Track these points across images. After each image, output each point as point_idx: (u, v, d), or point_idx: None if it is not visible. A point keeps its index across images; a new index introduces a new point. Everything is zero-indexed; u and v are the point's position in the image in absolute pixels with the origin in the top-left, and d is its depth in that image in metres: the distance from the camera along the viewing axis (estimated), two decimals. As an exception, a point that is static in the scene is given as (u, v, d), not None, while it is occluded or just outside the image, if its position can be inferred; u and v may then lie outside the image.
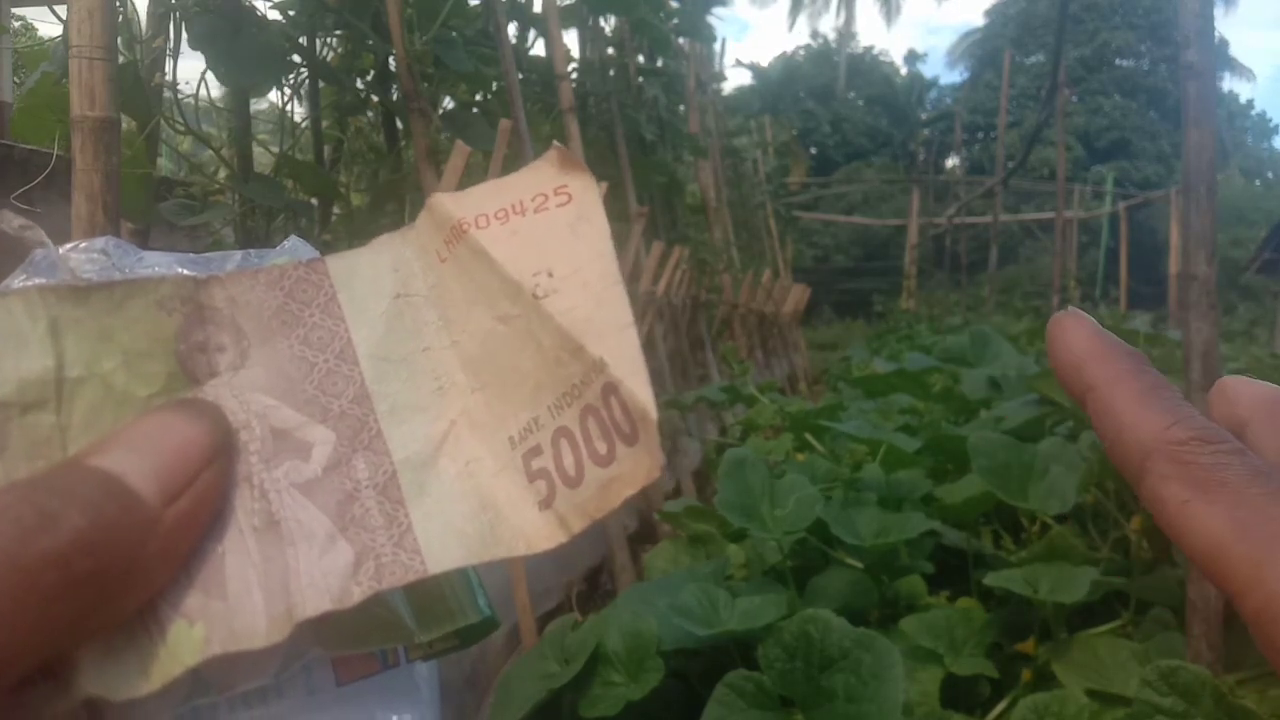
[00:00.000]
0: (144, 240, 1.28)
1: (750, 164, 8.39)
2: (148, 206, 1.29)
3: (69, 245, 0.30)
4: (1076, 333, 0.25)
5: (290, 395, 0.23)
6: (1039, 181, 16.18)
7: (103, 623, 0.19)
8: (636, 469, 0.21)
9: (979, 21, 25.80)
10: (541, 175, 0.25)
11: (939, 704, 1.31)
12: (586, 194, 0.24)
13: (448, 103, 2.21)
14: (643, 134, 3.70)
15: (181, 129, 1.42)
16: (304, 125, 1.77)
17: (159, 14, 1.33)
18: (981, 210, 11.77)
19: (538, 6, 2.77)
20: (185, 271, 0.31)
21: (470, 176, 2.08)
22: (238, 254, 0.32)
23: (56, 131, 1.16)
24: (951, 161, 21.97)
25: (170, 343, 0.22)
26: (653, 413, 0.21)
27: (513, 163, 2.25)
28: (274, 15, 1.61)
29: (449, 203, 0.25)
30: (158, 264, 0.32)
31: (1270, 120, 26.92)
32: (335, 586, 0.21)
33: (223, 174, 1.56)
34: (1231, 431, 0.23)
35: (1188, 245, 1.24)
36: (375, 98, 1.94)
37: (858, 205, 18.27)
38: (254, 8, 1.51)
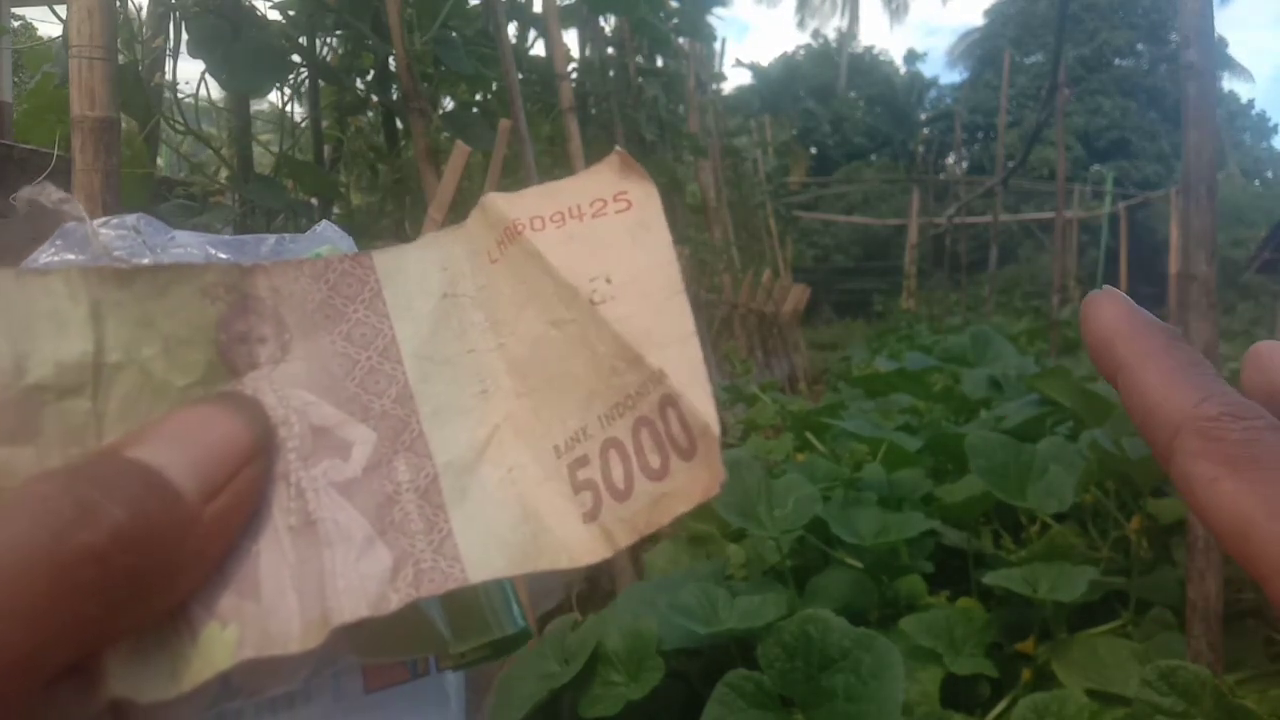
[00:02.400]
0: (144, 240, 1.28)
1: (750, 164, 8.39)
2: (147, 206, 1.30)
3: (100, 220, 0.30)
4: (1109, 311, 0.24)
5: (331, 392, 0.22)
6: (1039, 181, 16.18)
7: (135, 622, 0.18)
8: (693, 485, 0.20)
9: (979, 22, 25.81)
10: (601, 180, 0.24)
11: (939, 704, 1.31)
12: (648, 201, 0.23)
13: (448, 103, 2.21)
14: (643, 134, 3.70)
15: (181, 129, 1.42)
16: (304, 125, 1.77)
17: (159, 14, 1.33)
18: (981, 210, 11.76)
19: (538, 6, 2.77)
20: (217, 253, 0.31)
21: (470, 176, 2.08)
22: (271, 238, 0.32)
23: (57, 132, 1.16)
24: (951, 161, 21.98)
25: (211, 331, 0.22)
26: (715, 427, 0.20)
27: (513, 163, 2.25)
28: (274, 15, 1.61)
29: (503, 203, 0.24)
30: (189, 243, 0.31)
31: (1270, 120, 26.92)
32: (373, 592, 0.20)
33: (223, 174, 1.56)
34: (1267, 400, 0.23)
35: (1188, 245, 1.24)
36: (375, 98, 1.94)
37: (858, 205, 18.26)
38: (254, 8, 1.51)
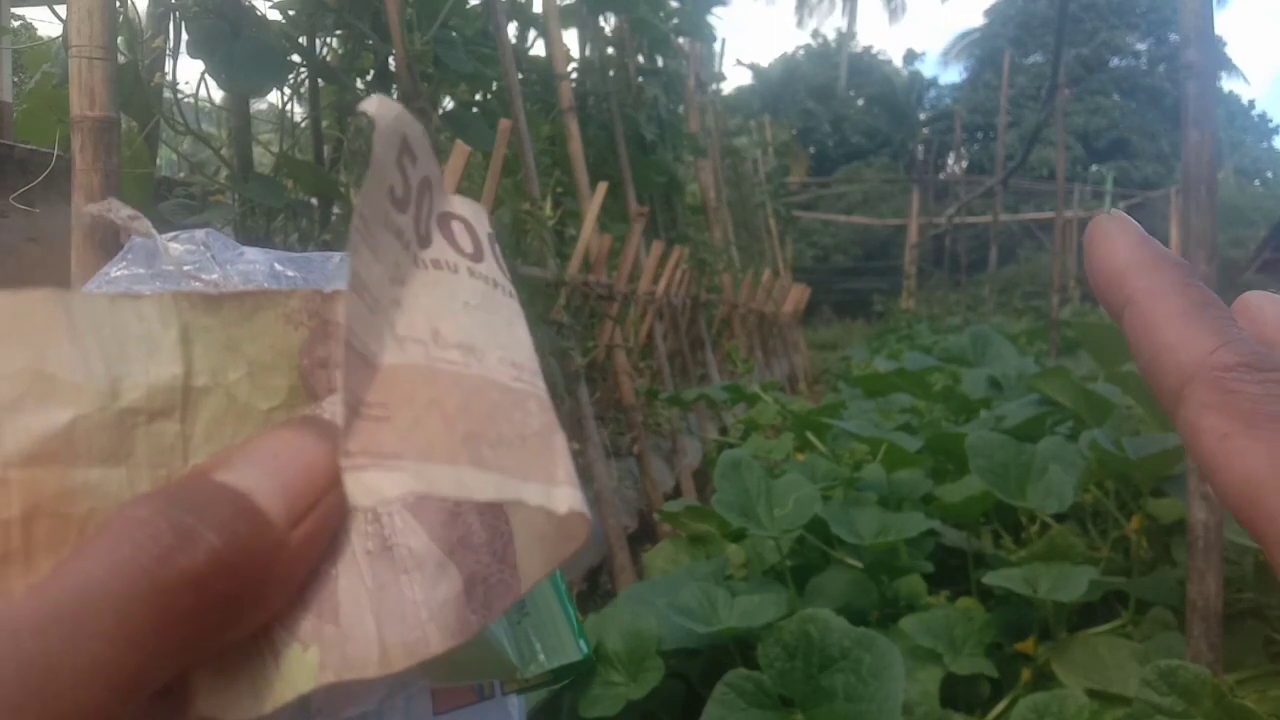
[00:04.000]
0: (144, 240, 1.28)
1: (750, 164, 8.39)
2: (148, 207, 1.29)
3: (169, 235, 0.30)
4: (1119, 239, 0.22)
5: None
6: (1039, 181, 16.18)
7: (224, 644, 0.19)
8: None
9: (979, 21, 25.82)
10: None
11: (939, 704, 1.31)
12: None
13: (448, 103, 2.21)
14: (643, 134, 3.70)
15: (181, 129, 1.42)
16: (304, 125, 1.77)
17: (159, 14, 1.33)
18: (981, 210, 11.77)
19: (538, 6, 2.77)
20: (284, 270, 0.31)
21: (470, 176, 2.08)
22: (336, 255, 0.33)
23: (57, 132, 1.16)
24: (951, 161, 21.99)
25: (294, 357, 0.22)
26: None
27: (513, 163, 2.25)
28: (274, 15, 1.61)
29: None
30: (257, 259, 0.31)
31: (1270, 120, 26.93)
32: (453, 620, 0.20)
33: (223, 174, 1.56)
34: None
35: (1187, 245, 1.24)
36: (375, 98, 1.94)
37: (858, 205, 18.27)
38: (254, 8, 1.51)
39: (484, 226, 0.23)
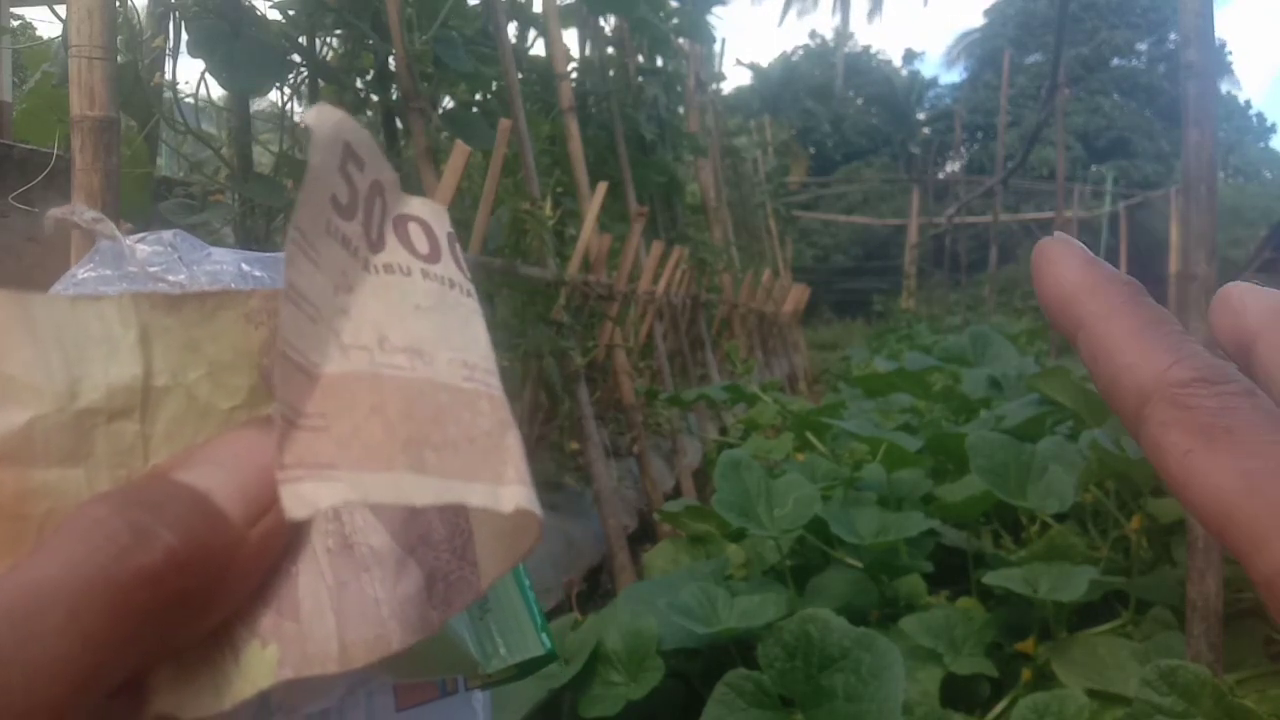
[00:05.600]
0: (144, 240, 1.28)
1: (750, 164, 8.39)
2: (147, 206, 1.29)
3: (136, 236, 0.30)
4: (1065, 262, 0.22)
5: None
6: (1039, 181, 16.18)
7: (182, 641, 0.19)
8: None
9: (979, 21, 25.83)
10: None
11: (939, 703, 1.31)
12: None
13: (448, 102, 2.21)
14: (643, 134, 3.70)
15: (181, 129, 1.42)
16: (304, 124, 1.77)
17: (159, 14, 1.33)
18: (981, 210, 11.78)
19: (538, 6, 2.77)
20: (251, 270, 0.31)
21: (470, 176, 2.08)
22: None
23: (57, 131, 1.16)
24: (952, 165, 21.99)
25: (255, 356, 0.22)
26: None
27: (513, 162, 2.25)
28: (274, 15, 1.61)
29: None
30: (224, 260, 0.31)
31: (1268, 120, 26.96)
32: (413, 616, 0.20)
33: (223, 174, 1.56)
34: (1238, 347, 0.22)
35: (1187, 245, 1.24)
36: (375, 97, 1.94)
37: (857, 205, 18.28)
38: (254, 8, 1.51)
39: (443, 226, 0.23)
